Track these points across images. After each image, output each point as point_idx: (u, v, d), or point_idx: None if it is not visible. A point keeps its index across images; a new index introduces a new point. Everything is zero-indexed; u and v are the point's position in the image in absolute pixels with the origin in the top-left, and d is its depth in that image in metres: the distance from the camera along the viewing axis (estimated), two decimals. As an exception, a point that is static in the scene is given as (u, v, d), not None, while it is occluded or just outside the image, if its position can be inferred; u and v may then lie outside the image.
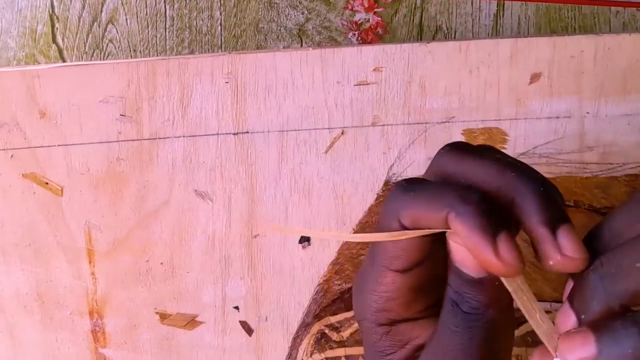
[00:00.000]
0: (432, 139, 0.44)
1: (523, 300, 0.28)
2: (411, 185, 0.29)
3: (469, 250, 0.27)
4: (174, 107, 0.44)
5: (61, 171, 0.44)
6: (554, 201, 0.27)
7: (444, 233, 0.29)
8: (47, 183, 0.45)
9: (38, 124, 0.44)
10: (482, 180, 0.28)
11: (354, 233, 0.45)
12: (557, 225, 0.27)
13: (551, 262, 0.27)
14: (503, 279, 0.28)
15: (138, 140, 0.44)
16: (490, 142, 0.44)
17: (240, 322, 0.46)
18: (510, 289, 0.28)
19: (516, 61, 0.43)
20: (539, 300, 0.45)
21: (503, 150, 0.44)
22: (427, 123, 0.44)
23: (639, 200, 0.27)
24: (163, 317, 0.46)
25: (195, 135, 0.44)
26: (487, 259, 0.27)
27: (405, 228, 0.29)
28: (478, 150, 0.30)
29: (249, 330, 0.46)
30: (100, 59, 0.45)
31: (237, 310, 0.45)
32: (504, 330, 0.30)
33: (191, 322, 0.46)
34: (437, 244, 0.30)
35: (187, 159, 0.44)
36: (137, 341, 0.46)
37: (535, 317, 0.28)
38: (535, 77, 0.44)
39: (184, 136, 0.44)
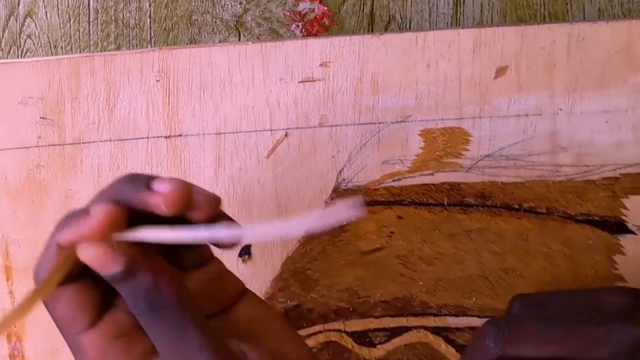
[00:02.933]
0: (386, 141, 0.41)
1: None
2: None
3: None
4: (99, 109, 0.41)
5: (-24, 180, 0.42)
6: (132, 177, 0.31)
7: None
8: (-39, 193, 0.42)
9: (-50, 128, 0.41)
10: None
11: (298, 243, 0.41)
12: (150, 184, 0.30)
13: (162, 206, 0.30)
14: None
15: (60, 145, 0.41)
16: (452, 143, 0.41)
17: (175, 346, 0.42)
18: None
19: (479, 54, 0.41)
20: (485, 316, 0.41)
21: (466, 151, 0.40)
22: (380, 123, 0.41)
23: None
24: (90, 341, 0.42)
25: (123, 139, 0.41)
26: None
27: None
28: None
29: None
30: (18, 57, 0.42)
31: (171, 334, 0.41)
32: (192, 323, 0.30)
33: (121, 346, 0.42)
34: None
35: (114, 165, 0.41)
36: (60, 367, 0.43)
37: None
38: (501, 71, 0.41)
39: (110, 140, 0.41)
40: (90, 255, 0.29)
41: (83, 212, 0.30)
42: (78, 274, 0.31)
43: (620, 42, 0.40)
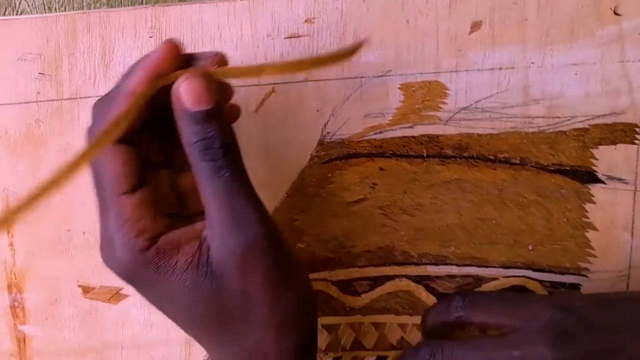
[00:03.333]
0: (368, 94, 0.42)
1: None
2: None
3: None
4: (95, 64, 0.42)
5: (-23, 134, 0.43)
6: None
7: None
8: (-38, 147, 0.43)
9: (-48, 84, 0.42)
10: None
11: (286, 195, 0.43)
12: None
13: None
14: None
15: (58, 100, 0.42)
16: (430, 96, 0.42)
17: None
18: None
19: (455, 10, 0.42)
20: (485, 266, 0.43)
21: (443, 104, 0.42)
22: (362, 77, 0.42)
23: None
24: (86, 290, 0.44)
25: (117, 94, 0.42)
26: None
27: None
28: None
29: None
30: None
31: (164, 280, 0.43)
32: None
33: (116, 295, 0.44)
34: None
35: (110, 119, 0.42)
36: (59, 317, 0.44)
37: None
38: (475, 26, 0.42)
39: (105, 95, 0.42)
40: (191, 86, 0.31)
41: (144, 58, 0.33)
42: (127, 137, 0.32)
43: (587, -3, 0.41)
